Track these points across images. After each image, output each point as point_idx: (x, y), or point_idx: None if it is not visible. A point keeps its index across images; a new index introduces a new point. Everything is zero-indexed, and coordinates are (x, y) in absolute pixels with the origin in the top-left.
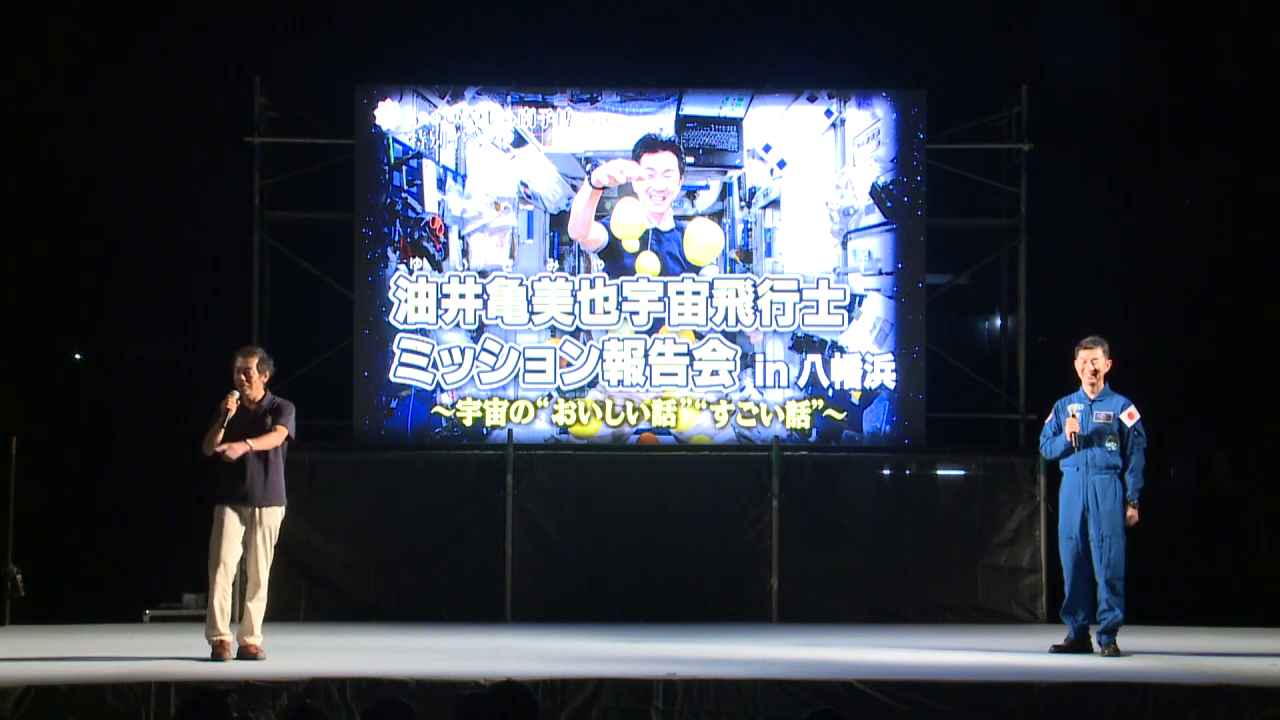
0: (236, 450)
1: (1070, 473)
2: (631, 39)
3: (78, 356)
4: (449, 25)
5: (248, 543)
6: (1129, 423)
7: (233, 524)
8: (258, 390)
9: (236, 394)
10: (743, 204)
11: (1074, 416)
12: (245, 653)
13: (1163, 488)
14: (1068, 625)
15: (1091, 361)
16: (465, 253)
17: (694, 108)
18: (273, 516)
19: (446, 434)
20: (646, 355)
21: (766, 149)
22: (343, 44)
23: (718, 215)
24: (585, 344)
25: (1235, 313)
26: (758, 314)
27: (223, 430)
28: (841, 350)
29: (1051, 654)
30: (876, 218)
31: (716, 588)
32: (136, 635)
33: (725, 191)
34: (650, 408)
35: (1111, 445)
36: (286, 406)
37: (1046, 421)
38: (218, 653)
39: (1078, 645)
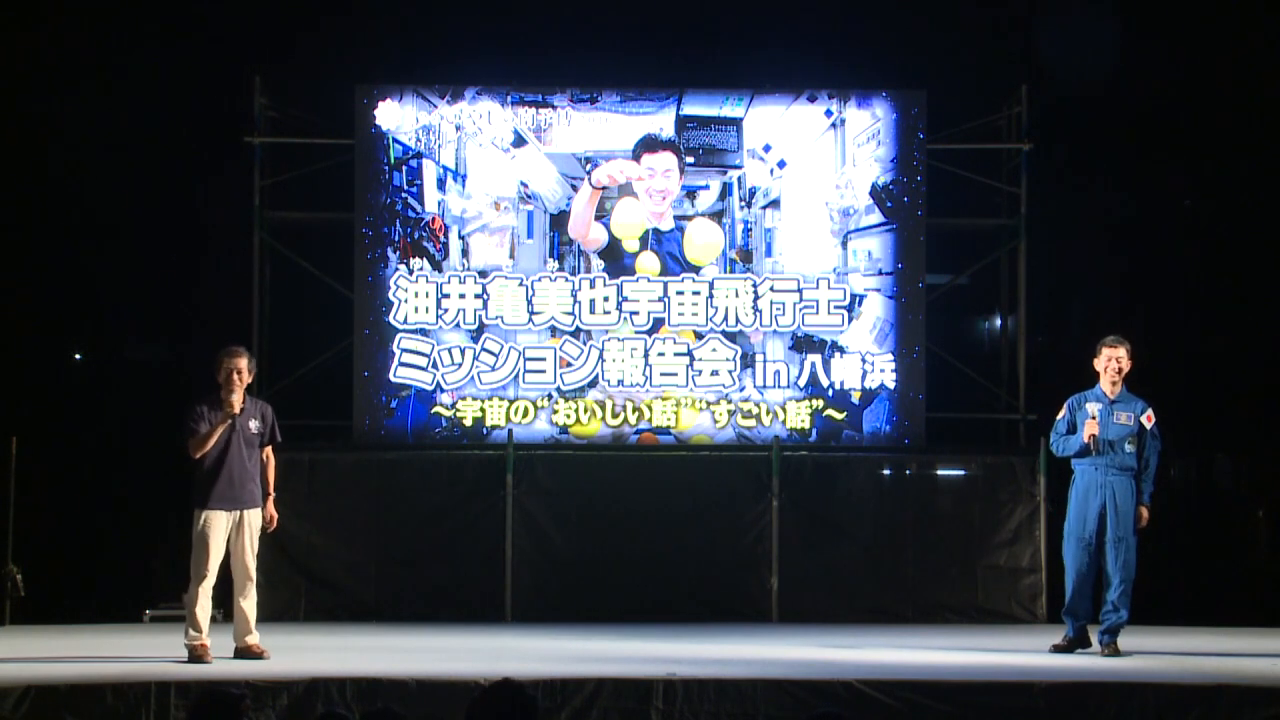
0: (274, 518)
1: (1087, 471)
2: (631, 39)
3: (78, 356)
4: (449, 25)
5: (233, 545)
6: (1148, 425)
7: (220, 532)
8: (241, 392)
9: (236, 396)
10: (743, 204)
11: (1094, 418)
12: (250, 653)
13: (1163, 488)
14: (1068, 625)
15: (1117, 360)
16: (465, 253)
17: (694, 108)
18: (256, 517)
19: (446, 434)
20: (646, 355)
21: (766, 149)
22: (343, 44)
23: (718, 215)
24: (585, 344)
25: (1235, 313)
26: (758, 314)
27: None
28: (841, 350)
29: (1051, 654)
30: (876, 218)
31: (716, 588)
32: (136, 635)
33: (725, 191)
34: (650, 408)
35: (1130, 447)
36: (270, 412)
37: (1059, 418)
38: (200, 656)
39: (1076, 643)
